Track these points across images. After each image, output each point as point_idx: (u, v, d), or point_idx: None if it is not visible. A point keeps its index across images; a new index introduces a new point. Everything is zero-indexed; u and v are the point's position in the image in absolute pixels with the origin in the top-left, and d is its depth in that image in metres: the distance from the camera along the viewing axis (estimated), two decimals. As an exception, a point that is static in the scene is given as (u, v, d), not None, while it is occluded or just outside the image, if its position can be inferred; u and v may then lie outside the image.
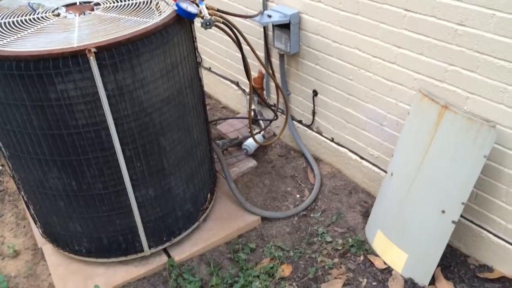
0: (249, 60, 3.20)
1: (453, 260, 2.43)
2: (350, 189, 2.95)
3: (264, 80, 3.36)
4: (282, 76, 3.12)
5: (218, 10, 2.29)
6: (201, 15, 2.13)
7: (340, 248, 2.55)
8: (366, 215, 2.76)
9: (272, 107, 3.15)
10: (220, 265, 2.52)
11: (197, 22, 2.26)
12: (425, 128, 2.21)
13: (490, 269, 2.37)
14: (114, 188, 2.22)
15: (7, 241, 2.80)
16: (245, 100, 3.64)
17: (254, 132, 3.32)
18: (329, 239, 2.62)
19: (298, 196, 2.97)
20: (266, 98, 3.46)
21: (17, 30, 2.04)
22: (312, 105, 3.03)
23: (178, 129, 2.31)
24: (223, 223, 2.73)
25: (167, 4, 2.20)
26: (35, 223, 2.62)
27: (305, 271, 2.46)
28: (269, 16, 2.75)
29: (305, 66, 2.95)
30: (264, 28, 3.06)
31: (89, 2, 2.32)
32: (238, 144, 3.30)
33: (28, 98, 1.91)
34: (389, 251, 2.45)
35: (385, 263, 2.46)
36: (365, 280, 2.39)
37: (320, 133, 3.11)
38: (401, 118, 2.47)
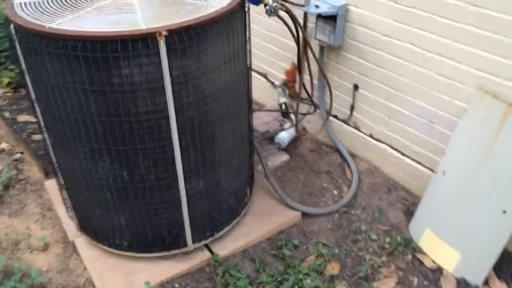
0: (280, 52, 3.13)
1: (503, 260, 2.40)
2: (389, 186, 2.91)
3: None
4: (320, 69, 3.04)
5: (278, -2, 2.20)
6: (265, 2, 2.04)
7: (387, 246, 2.50)
8: (408, 213, 2.72)
9: (304, 101, 3.07)
10: (265, 262, 2.44)
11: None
12: (487, 126, 2.16)
13: (540, 270, 2.35)
14: (166, 180, 2.11)
15: (33, 233, 2.66)
16: (273, 93, 3.55)
17: (287, 126, 3.25)
18: (374, 236, 2.57)
19: (335, 192, 2.91)
20: (298, 91, 3.38)
21: (72, 9, 1.91)
22: (352, 100, 2.97)
23: (232, 121, 2.22)
24: (263, 219, 2.65)
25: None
26: (69, 215, 2.49)
27: (353, 269, 2.40)
28: (317, 7, 2.67)
29: (347, 59, 2.88)
30: (304, 18, 2.97)
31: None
32: (269, 137, 3.22)
33: (90, 82, 1.79)
34: (439, 250, 2.41)
35: (434, 262, 2.42)
36: (416, 279, 2.35)
37: (358, 128, 3.05)
38: (455, 116, 2.42)
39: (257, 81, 3.73)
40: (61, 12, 1.86)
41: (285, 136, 3.16)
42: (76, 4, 1.94)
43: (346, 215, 2.74)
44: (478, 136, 2.22)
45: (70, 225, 2.59)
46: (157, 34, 1.71)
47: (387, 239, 2.54)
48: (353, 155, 3.13)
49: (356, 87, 2.91)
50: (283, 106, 3.36)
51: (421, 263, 2.42)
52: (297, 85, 3.36)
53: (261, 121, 3.46)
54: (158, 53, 1.76)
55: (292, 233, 2.63)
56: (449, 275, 2.35)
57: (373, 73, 2.75)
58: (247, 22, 2.18)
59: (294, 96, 3.41)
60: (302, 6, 2.53)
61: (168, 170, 2.09)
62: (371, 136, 2.98)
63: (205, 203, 2.31)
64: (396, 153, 2.85)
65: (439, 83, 2.43)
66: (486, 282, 2.29)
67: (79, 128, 1.94)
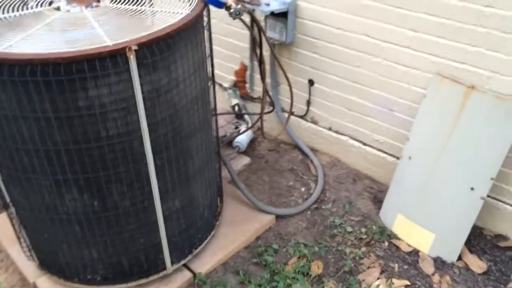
0: (228, 53, 3.08)
1: (470, 234, 2.53)
2: (353, 177, 2.95)
3: (248, 72, 3.22)
4: (271, 66, 3.00)
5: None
6: (228, 4, 1.94)
7: (364, 237, 2.53)
8: (376, 200, 2.77)
9: (255, 100, 3.01)
10: (249, 272, 2.37)
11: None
12: (448, 109, 2.25)
13: (505, 238, 2.51)
14: (142, 203, 1.96)
15: (-16, 279, 2.37)
16: (223, 95, 3.45)
17: (243, 128, 3.18)
18: (349, 229, 2.59)
19: (303, 189, 2.90)
20: (249, 91, 3.32)
21: (19, 28, 1.69)
22: (307, 95, 2.96)
23: (202, 131, 2.11)
24: (238, 227, 2.57)
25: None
26: (27, 255, 2.25)
27: (337, 264, 2.40)
28: (267, 5, 2.61)
29: (300, 55, 2.86)
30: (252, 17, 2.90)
31: (85, -7, 2.00)
32: (227, 141, 3.13)
33: (53, 109, 1.59)
34: (413, 233, 2.48)
35: (409, 245, 2.49)
36: (396, 265, 2.40)
37: (316, 123, 3.05)
38: (414, 102, 2.50)
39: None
40: (8, 33, 1.64)
41: (243, 139, 3.09)
42: (22, 23, 1.72)
43: (318, 211, 2.74)
44: (440, 119, 2.30)
45: (28, 266, 2.32)
46: (127, 49, 1.56)
47: (363, 230, 2.57)
48: (313, 150, 3.14)
49: (311, 82, 2.90)
50: (236, 108, 3.28)
51: (398, 248, 2.48)
52: (247, 85, 3.30)
53: (214, 125, 3.34)
54: (128, 69, 1.60)
55: (269, 237, 2.58)
56: (426, 256, 2.43)
57: (328, 67, 2.76)
58: (209, 27, 2.07)
59: (245, 96, 3.34)
60: (258, 5, 2.46)
61: (143, 193, 1.94)
62: (330, 129, 2.99)
63: (182, 222, 2.19)
64: (357, 143, 2.89)
65: (396, 71, 2.49)
66: (459, 257, 2.40)
67: (41, 160, 1.73)
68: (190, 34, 1.80)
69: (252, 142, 3.25)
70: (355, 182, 2.92)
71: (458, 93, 2.21)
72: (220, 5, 1.90)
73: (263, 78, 2.44)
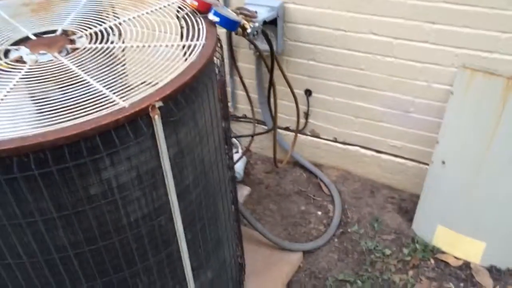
0: None
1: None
2: (370, 188, 2.67)
3: (230, 89, 2.82)
4: (258, 81, 2.63)
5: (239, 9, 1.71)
6: (242, 26, 1.55)
7: (407, 258, 2.26)
8: (402, 211, 2.52)
9: (241, 119, 2.64)
10: (295, 329, 2.02)
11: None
12: (486, 105, 2.02)
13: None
14: (174, 289, 1.54)
15: None
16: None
17: (235, 152, 2.79)
18: (387, 251, 2.31)
19: (319, 213, 2.57)
20: (231, 110, 2.92)
21: (-22, 97, 1.19)
22: (306, 107, 2.63)
23: (224, 183, 1.71)
24: (264, 277, 2.20)
25: (190, 15, 1.53)
26: None
27: (388, 297, 2.12)
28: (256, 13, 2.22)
29: (293, 65, 2.51)
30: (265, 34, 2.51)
31: (48, 33, 1.51)
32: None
33: (55, 207, 1.13)
34: (459, 245, 2.25)
35: (457, 258, 2.26)
36: (452, 284, 2.15)
37: (317, 136, 2.73)
38: (435, 100, 2.25)
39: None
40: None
41: (239, 166, 2.70)
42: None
43: (345, 236, 2.43)
44: (477, 117, 2.06)
45: None
46: (150, 109, 1.13)
47: (404, 251, 2.29)
48: (317, 166, 2.82)
49: (308, 92, 2.56)
50: (221, 132, 2.87)
51: (447, 264, 2.24)
52: (229, 104, 2.89)
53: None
54: (153, 134, 1.17)
55: (302, 279, 2.24)
56: (479, 267, 2.21)
57: (330, 73, 2.44)
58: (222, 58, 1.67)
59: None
60: (255, 17, 2.07)
61: (174, 276, 1.51)
62: (335, 140, 2.68)
63: (215, 293, 1.78)
64: (370, 152, 2.60)
65: (412, 69, 2.22)
66: (514, 261, 2.20)
67: (40, 273, 1.25)
68: (211, 72, 1.39)
69: (245, 166, 2.86)
70: (373, 194, 2.63)
71: (495, 86, 1.97)
72: (233, 26, 1.51)
73: (274, 112, 2.06)
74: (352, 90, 2.43)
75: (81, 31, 1.48)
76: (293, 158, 2.83)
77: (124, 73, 1.28)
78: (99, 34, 1.47)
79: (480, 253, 2.20)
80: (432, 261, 2.26)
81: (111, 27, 1.50)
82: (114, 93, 1.17)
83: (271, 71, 1.97)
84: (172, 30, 1.46)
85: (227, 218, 1.77)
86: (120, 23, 1.51)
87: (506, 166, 2.04)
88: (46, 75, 1.27)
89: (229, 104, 2.89)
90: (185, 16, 1.51)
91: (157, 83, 1.20)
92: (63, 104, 1.13)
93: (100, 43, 1.42)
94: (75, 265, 1.26)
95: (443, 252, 2.29)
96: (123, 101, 1.14)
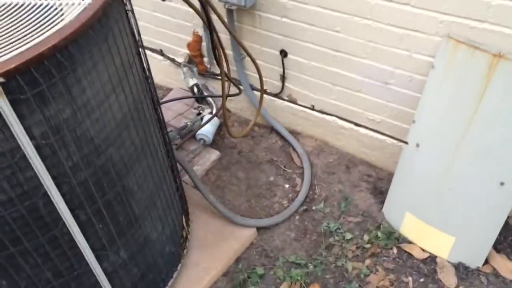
0: (176, 21, 2.49)
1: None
2: (347, 163, 2.44)
3: (204, 44, 2.59)
4: (232, 37, 2.38)
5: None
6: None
7: (367, 246, 2.07)
8: (376, 192, 2.29)
9: (217, 77, 2.41)
10: (231, 310, 1.91)
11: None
12: (468, 83, 1.72)
13: (537, 228, 2.07)
14: (72, 271, 1.43)
15: None
16: (177, 72, 2.84)
17: (207, 113, 2.62)
18: (348, 235, 2.12)
19: (287, 186, 2.39)
20: (208, 66, 2.71)
21: None
22: (281, 69, 2.38)
23: (144, 156, 1.55)
24: (212, 250, 2.08)
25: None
26: None
27: (338, 286, 1.95)
28: (216, -39, 1.95)
29: (266, 21, 2.24)
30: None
31: None
32: (189, 133, 2.56)
33: None
34: (427, 236, 2.03)
35: (424, 250, 2.04)
36: (410, 278, 1.96)
37: (294, 102, 2.49)
38: (416, 73, 1.95)
39: (152, 60, 2.96)
40: None
41: (208, 130, 2.53)
42: None
43: (308, 213, 2.25)
44: (457, 96, 1.77)
45: None
46: (-16, 86, 0.96)
47: (365, 237, 2.10)
48: (294, 133, 2.60)
49: (284, 53, 2.30)
50: (195, 89, 2.69)
51: (410, 255, 2.04)
52: (205, 59, 2.68)
53: (173, 112, 2.76)
54: (-3, 114, 1.01)
55: (252, 257, 2.10)
56: (445, 263, 1.99)
57: (304, 33, 2.16)
58: (130, 12, 1.45)
59: (204, 73, 2.73)
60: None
61: (69, 258, 1.40)
62: (312, 108, 2.44)
63: (135, 271, 1.68)
64: (348, 124, 2.35)
65: (392, 35, 1.92)
66: (486, 261, 1.96)
67: None
68: (99, 35, 1.19)
69: (219, 128, 2.68)
70: (349, 170, 2.41)
71: (480, 62, 1.66)
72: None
73: (219, 65, 1.85)
74: (327, 54, 2.16)
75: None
76: (270, 123, 2.62)
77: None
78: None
79: (448, 248, 1.98)
80: (395, 250, 2.06)
81: (3, -22, 1.31)
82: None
83: (210, 32, 1.74)
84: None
85: (150, 194, 1.63)
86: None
87: (482, 155, 1.76)
88: None
89: (206, 59, 2.68)
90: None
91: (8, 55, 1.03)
92: None
93: (-19, -3, 1.24)
94: None
95: (409, 242, 2.08)
96: (-42, 74, 0.98)
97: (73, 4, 1.18)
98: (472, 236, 1.93)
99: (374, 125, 2.26)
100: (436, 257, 2.02)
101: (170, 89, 2.99)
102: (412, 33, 1.86)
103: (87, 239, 1.40)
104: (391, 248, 2.06)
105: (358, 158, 2.44)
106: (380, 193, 2.28)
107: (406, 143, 2.01)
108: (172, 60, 2.84)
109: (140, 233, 1.63)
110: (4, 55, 1.02)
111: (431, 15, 1.77)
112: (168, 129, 2.11)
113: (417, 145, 1.95)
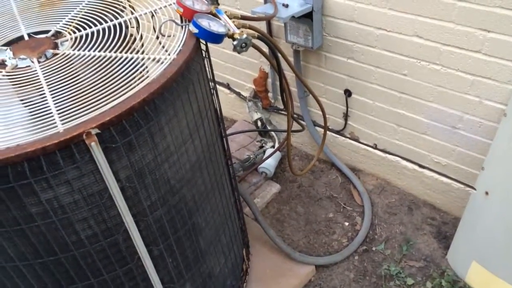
0: (244, 57, 2.56)
1: None
2: (409, 204, 2.41)
3: (269, 80, 2.68)
4: (297, 76, 2.44)
5: (242, 18, 1.56)
6: (230, 33, 1.40)
7: (430, 292, 2.03)
8: (440, 236, 2.24)
9: (282, 111, 2.48)
10: None
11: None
12: (542, 135, 1.66)
13: None
14: (143, 302, 1.52)
15: None
16: (242, 106, 2.94)
17: (269, 146, 2.68)
18: (410, 281, 2.08)
19: (347, 224, 2.39)
20: (273, 101, 2.79)
21: None
22: (345, 107, 2.41)
23: (213, 194, 1.63)
24: (270, 285, 2.11)
25: (173, 21, 1.43)
26: None
27: (397, 333, 1.92)
28: (285, 6, 2.04)
29: (332, 62, 2.29)
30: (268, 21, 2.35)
31: (43, 33, 1.51)
32: (252, 166, 2.63)
33: (-5, 224, 1.14)
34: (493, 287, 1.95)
35: (490, 301, 1.97)
36: (475, 330, 1.89)
37: (356, 139, 2.50)
38: (487, 119, 1.92)
39: (219, 93, 3.08)
40: None
41: (270, 163, 2.59)
42: None
43: (367, 254, 2.24)
44: (529, 148, 1.72)
45: None
46: (84, 136, 1.07)
47: (428, 284, 2.05)
48: (354, 170, 2.60)
49: (348, 92, 2.34)
50: (259, 123, 2.77)
51: (475, 306, 1.97)
52: (270, 95, 2.76)
53: (237, 144, 2.85)
54: (92, 159, 1.12)
55: (310, 295, 2.12)
56: (513, 317, 1.91)
57: (369, 75, 2.19)
58: (208, 67, 1.56)
59: (268, 107, 2.81)
60: (274, 15, 1.90)
61: (141, 290, 1.49)
62: (375, 147, 2.44)
63: (198, 304, 1.74)
64: (411, 164, 2.33)
65: (461, 81, 1.90)
66: (559, 317, 1.86)
67: (-2, 276, 1.30)
68: (180, 88, 1.29)
69: (281, 161, 2.74)
70: (411, 212, 2.38)
71: (555, 114, 1.61)
72: (216, 39, 1.37)
73: (286, 107, 1.91)
74: (393, 95, 2.17)
75: (72, 33, 1.45)
76: (330, 159, 2.64)
77: (85, 87, 1.23)
78: (84, 37, 1.44)
79: (517, 302, 1.89)
80: (459, 300, 2.00)
81: (98, 31, 1.45)
82: (60, 113, 1.13)
83: (279, 74, 1.80)
84: (151, 40, 1.37)
85: (215, 230, 1.70)
86: (107, 27, 1.46)
87: (558, 211, 1.69)
88: (14, 84, 1.27)
89: (270, 95, 2.76)
90: (169, 23, 1.41)
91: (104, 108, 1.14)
92: (5, 122, 1.12)
93: (79, 50, 1.38)
94: (27, 276, 1.29)
95: (474, 292, 2.01)
96: (63, 124, 1.10)
97: (159, 59, 1.29)
98: (544, 292, 1.84)
99: (439, 168, 2.23)
100: (503, 310, 1.94)
101: (235, 121, 3.10)
102: (483, 80, 1.84)
103: (158, 272, 1.48)
104: (455, 297, 2.01)
105: (421, 199, 2.40)
106: (444, 238, 2.23)
107: (474, 189, 1.96)
108: (238, 94, 2.95)
109: (205, 267, 1.70)
110: (100, 107, 1.13)
111: (503, 63, 1.75)
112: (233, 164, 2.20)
113: (486, 193, 1.90)
